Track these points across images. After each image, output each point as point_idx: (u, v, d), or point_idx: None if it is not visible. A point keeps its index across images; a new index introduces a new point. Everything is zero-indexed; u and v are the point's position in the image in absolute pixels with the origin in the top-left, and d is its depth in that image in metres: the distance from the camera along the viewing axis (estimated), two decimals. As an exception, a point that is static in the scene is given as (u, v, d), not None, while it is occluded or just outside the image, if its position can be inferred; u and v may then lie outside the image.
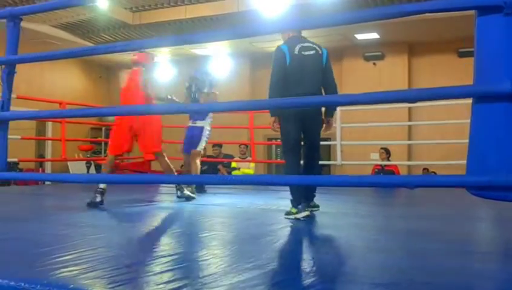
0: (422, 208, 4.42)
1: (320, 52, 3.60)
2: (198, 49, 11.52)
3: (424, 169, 9.28)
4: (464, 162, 1.59)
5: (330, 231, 3.01)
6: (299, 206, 3.32)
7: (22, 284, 1.59)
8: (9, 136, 7.04)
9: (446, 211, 4.16)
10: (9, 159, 7.75)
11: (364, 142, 8.76)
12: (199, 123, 5.29)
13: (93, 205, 3.80)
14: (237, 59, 11.35)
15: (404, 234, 2.88)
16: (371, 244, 2.49)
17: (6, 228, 2.85)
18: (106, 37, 10.35)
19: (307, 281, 1.69)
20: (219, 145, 8.81)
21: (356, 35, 10.03)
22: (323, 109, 3.67)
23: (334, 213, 3.90)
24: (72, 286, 1.56)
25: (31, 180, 8.25)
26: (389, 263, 2.04)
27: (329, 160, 9.56)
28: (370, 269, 1.92)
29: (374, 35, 9.97)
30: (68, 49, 2.39)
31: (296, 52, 3.45)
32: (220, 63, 10.79)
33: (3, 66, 2.25)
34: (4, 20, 2.25)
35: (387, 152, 8.14)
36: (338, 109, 7.19)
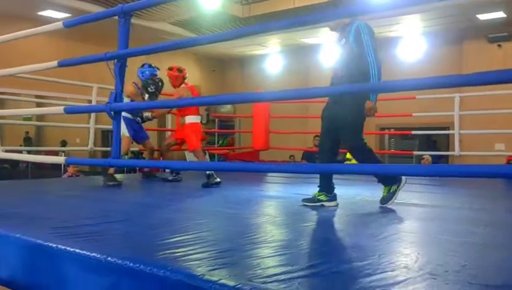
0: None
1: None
2: (308, 38, 11.45)
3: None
4: None
5: (440, 224, 2.79)
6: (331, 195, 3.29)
7: (128, 263, 1.70)
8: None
9: None
10: (132, 149, 8.39)
11: (486, 131, 8.01)
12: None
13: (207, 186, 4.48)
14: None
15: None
16: (485, 241, 2.25)
17: (120, 210, 3.09)
18: (217, 31, 10.73)
19: (407, 276, 1.58)
20: (318, 136, 8.69)
21: (478, 16, 9.20)
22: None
23: (445, 206, 3.64)
24: (171, 267, 1.62)
25: (154, 168, 8.85)
26: (506, 263, 1.83)
27: (447, 150, 8.96)
28: (481, 269, 1.73)
29: (499, 14, 9.06)
30: (172, 41, 2.50)
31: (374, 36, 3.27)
32: (329, 52, 10.61)
33: (115, 60, 2.42)
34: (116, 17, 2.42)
35: None
36: (457, 94, 6.68)
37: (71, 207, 3.24)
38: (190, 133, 5.21)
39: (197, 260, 1.74)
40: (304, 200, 3.41)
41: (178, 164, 3.78)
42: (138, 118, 5.19)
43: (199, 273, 1.56)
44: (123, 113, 5.04)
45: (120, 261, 1.72)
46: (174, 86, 5.39)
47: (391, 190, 3.34)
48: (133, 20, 2.52)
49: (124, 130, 4.94)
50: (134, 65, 2.45)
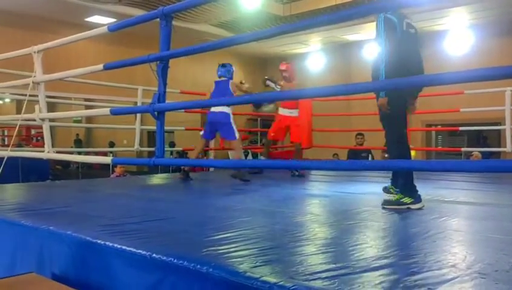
0: None
1: (417, 32, 3.29)
2: (350, 35, 11.30)
3: None
4: None
5: (489, 222, 2.69)
6: (415, 196, 3.06)
7: (172, 259, 1.74)
8: (175, 128, 7.78)
9: None
10: (176, 148, 8.62)
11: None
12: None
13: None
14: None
15: None
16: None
17: (164, 209, 3.15)
18: (258, 30, 10.77)
19: (456, 275, 1.53)
20: (361, 134, 8.61)
21: (530, 5, 8.80)
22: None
23: (496, 203, 3.50)
24: (214, 263, 1.64)
25: (198, 167, 9.01)
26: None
27: (499, 146, 8.61)
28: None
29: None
30: (211, 41, 2.52)
31: (404, 28, 3.13)
32: (371, 48, 10.43)
33: (158, 62, 2.48)
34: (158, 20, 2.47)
35: None
36: (509, 88, 6.40)
37: (118, 206, 3.34)
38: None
39: (240, 257, 1.75)
40: (385, 203, 3.19)
41: (221, 162, 3.79)
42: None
43: (241, 270, 1.57)
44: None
45: (164, 258, 1.76)
46: (290, 80, 5.93)
47: (402, 201, 3.10)
48: (175, 23, 2.57)
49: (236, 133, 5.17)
50: (176, 67, 2.49)
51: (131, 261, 1.86)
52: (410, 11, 3.40)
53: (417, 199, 3.11)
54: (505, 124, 6.47)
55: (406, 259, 1.76)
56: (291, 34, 9.37)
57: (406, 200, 3.09)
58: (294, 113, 6.00)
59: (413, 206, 3.06)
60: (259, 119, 13.50)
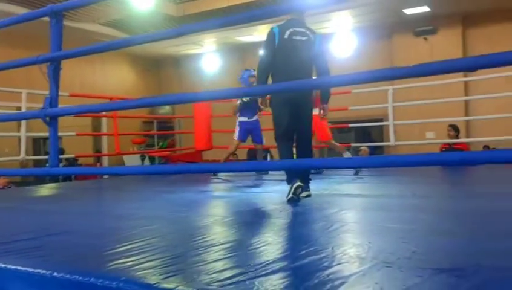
0: (485, 187, 4.18)
1: (312, 39, 3.58)
2: (244, 37, 11.47)
3: (485, 146, 8.83)
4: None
5: (386, 213, 2.88)
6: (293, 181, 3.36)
7: (77, 277, 1.61)
8: (65, 133, 7.28)
9: (510, 189, 3.91)
10: (66, 155, 8.08)
11: (417, 121, 8.39)
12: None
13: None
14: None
15: (468, 215, 2.71)
16: (432, 226, 2.35)
17: (60, 222, 2.93)
18: (152, 31, 10.51)
19: (363, 267, 1.60)
20: None
21: (404, 10, 9.63)
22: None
23: (389, 195, 3.76)
24: (124, 277, 1.55)
25: (91, 175, 8.55)
26: (452, 247, 1.91)
27: (382, 141, 9.30)
28: (431, 253, 1.80)
29: (424, 9, 9.55)
30: (106, 42, 2.39)
31: (286, 36, 3.48)
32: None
33: (48, 63, 2.29)
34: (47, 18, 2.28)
35: (455, 130, 7.60)
36: (390, 87, 6.95)
37: (7, 222, 3.03)
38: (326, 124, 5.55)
39: (150, 268, 1.68)
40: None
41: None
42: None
43: (154, 282, 1.50)
44: (240, 118, 5.89)
45: (68, 276, 1.62)
46: None
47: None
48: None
49: (235, 134, 6.06)
50: (63, 68, 2.31)
51: (30, 283, 1.69)
52: (298, 16, 3.59)
53: (294, 181, 3.38)
54: (388, 120, 7.02)
55: (316, 254, 1.81)
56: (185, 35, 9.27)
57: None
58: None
59: (293, 187, 3.34)
60: (155, 122, 13.19)
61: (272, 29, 3.51)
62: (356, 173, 5.17)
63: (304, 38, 3.52)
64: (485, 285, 1.42)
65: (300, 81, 2.80)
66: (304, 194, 3.51)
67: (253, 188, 4.57)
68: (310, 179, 3.64)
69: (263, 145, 6.24)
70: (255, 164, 3.75)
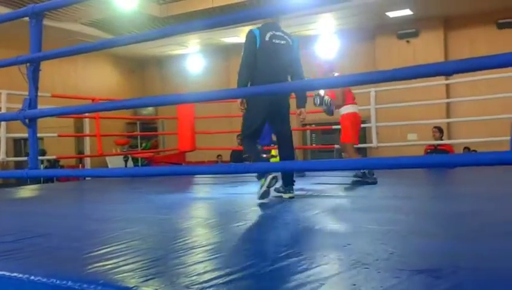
0: (465, 189, 4.24)
1: (290, 43, 3.61)
2: (229, 38, 11.46)
3: (465, 148, 8.96)
4: (508, 138, 1.46)
5: (366, 214, 2.91)
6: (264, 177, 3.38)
7: (54, 281, 1.59)
8: (47, 134, 7.20)
9: (491, 190, 3.97)
10: (48, 157, 7.98)
11: (399, 123, 8.48)
12: None
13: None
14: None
15: (447, 216, 2.75)
16: (410, 227, 2.38)
17: (39, 224, 2.89)
18: (135, 31, 10.46)
19: (341, 268, 1.62)
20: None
21: (387, 13, 9.73)
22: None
23: (371, 196, 3.79)
24: (102, 281, 1.54)
25: (73, 177, 8.45)
26: (431, 248, 1.93)
27: (365, 143, 9.37)
28: (409, 255, 1.82)
29: (406, 12, 9.65)
30: (89, 43, 2.37)
31: (266, 38, 3.50)
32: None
33: (28, 64, 2.26)
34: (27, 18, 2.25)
35: (440, 131, 7.68)
36: (373, 89, 7.01)
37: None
38: (350, 124, 4.76)
39: (130, 271, 1.67)
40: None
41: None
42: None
43: (133, 285, 1.49)
44: None
45: (45, 280, 1.60)
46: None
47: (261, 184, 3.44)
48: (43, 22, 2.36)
49: None
50: (45, 68, 2.27)
51: (6, 287, 1.66)
52: (275, 20, 3.62)
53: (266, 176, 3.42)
54: (370, 122, 7.08)
55: (296, 256, 1.81)
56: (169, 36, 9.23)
57: (262, 181, 3.41)
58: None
59: (264, 182, 3.37)
60: (138, 123, 13.10)
61: (252, 31, 3.51)
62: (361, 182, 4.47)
63: (283, 42, 3.57)
64: (462, 286, 1.44)
65: (287, 84, 2.83)
66: (287, 195, 3.54)
67: (236, 189, 4.57)
68: (294, 181, 3.65)
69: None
70: (238, 167, 3.75)
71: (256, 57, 3.47)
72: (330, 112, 4.83)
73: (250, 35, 3.51)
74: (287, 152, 3.67)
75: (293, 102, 3.75)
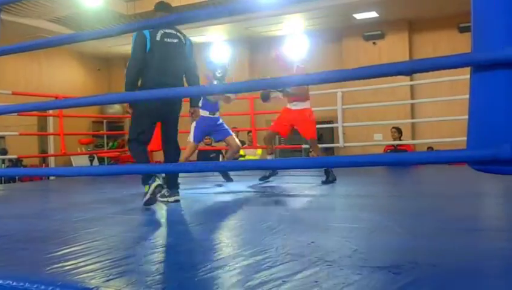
0: (427, 187, 4.35)
1: (184, 42, 3.46)
2: (196, 37, 11.36)
3: (429, 148, 9.17)
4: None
5: (330, 212, 2.94)
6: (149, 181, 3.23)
7: (10, 282, 1.54)
8: (8, 133, 6.98)
9: (451, 188, 4.08)
10: (9, 156, 7.74)
11: (365, 123, 8.62)
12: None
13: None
14: (235, 45, 11.20)
15: (408, 214, 2.81)
16: (372, 225, 2.42)
17: None
18: (101, 29, 10.24)
19: (304, 265, 1.63)
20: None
21: (354, 15, 9.86)
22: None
23: (334, 194, 3.84)
24: (60, 282, 1.50)
25: (36, 176, 8.22)
26: (392, 245, 1.97)
27: (332, 142, 9.48)
28: (370, 252, 1.85)
29: (373, 14, 9.81)
30: (48, 38, 2.28)
31: (158, 38, 3.29)
32: (219, 49, 10.65)
33: (-16, 59, 2.19)
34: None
35: (398, 131, 7.87)
36: (339, 90, 7.10)
37: None
38: (314, 120, 4.83)
39: (90, 272, 1.63)
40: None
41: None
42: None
43: (93, 286, 1.46)
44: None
45: (0, 282, 1.55)
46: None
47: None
48: (3, 16, 2.28)
49: (190, 136, 5.13)
50: (6, 65, 2.19)
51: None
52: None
53: (151, 182, 3.24)
54: (337, 122, 7.17)
55: (260, 254, 1.82)
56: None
57: (146, 188, 3.26)
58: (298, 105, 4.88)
59: (150, 189, 3.22)
60: (105, 122, 12.86)
61: (141, 32, 3.25)
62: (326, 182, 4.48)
63: (175, 41, 3.37)
64: (421, 281, 1.47)
65: (182, 89, 2.70)
66: (172, 199, 3.36)
67: (204, 189, 4.54)
68: (179, 183, 3.53)
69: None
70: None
71: (145, 59, 3.26)
72: (266, 98, 4.90)
73: (140, 37, 3.27)
74: (174, 155, 3.56)
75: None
